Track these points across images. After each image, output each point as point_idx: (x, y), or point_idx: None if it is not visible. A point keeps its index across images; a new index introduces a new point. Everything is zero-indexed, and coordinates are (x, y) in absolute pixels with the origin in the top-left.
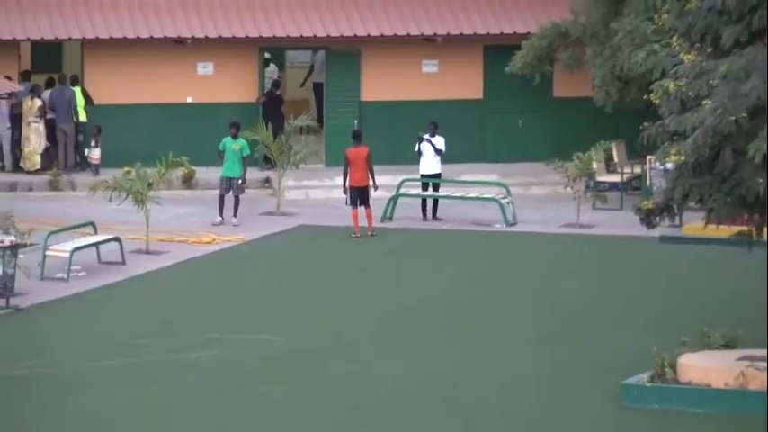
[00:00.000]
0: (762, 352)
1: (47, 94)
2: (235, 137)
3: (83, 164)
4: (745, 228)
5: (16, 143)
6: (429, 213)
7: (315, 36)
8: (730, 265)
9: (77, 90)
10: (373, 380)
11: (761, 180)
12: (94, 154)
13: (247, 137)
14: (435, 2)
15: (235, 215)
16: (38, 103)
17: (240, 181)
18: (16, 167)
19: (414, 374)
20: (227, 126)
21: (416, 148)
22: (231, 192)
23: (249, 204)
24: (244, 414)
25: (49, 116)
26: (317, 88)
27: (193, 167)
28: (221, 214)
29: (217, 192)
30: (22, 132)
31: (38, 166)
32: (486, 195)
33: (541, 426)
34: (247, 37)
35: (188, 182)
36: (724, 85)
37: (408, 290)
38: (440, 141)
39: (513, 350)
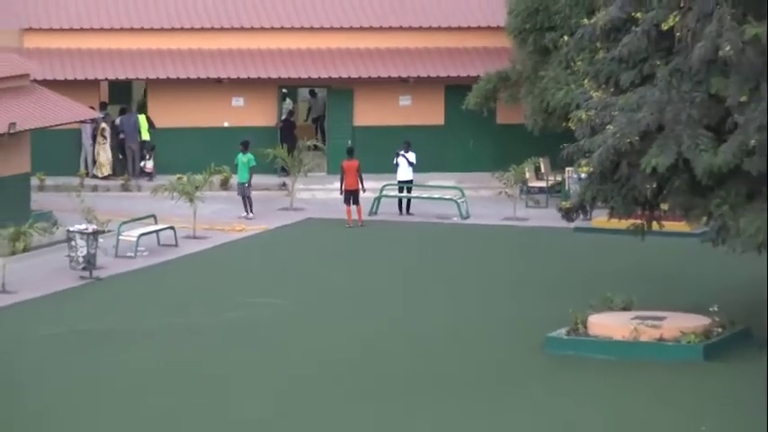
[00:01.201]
0: (649, 313)
1: (119, 119)
2: (244, 152)
3: (143, 172)
4: (638, 221)
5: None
6: (404, 209)
7: (319, 78)
8: (627, 249)
9: (142, 117)
10: (355, 330)
11: (648, 186)
12: (148, 166)
13: (268, 153)
14: (409, 52)
15: (248, 211)
16: (104, 126)
17: (247, 184)
18: (96, 175)
19: (384, 325)
20: (256, 140)
21: (394, 161)
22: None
23: (270, 203)
24: (259, 358)
25: (121, 136)
26: (315, 121)
27: (228, 174)
28: (250, 210)
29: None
30: (95, 148)
31: (106, 173)
32: (446, 196)
33: (485, 367)
34: (269, 78)
35: (224, 185)
36: (622, 115)
37: (387, 265)
38: (412, 156)
39: (461, 308)
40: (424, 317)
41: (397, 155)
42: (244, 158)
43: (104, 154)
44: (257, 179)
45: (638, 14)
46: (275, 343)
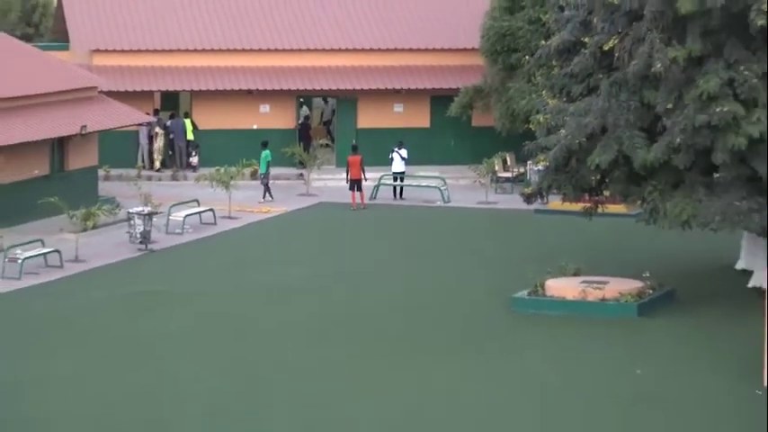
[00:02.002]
0: (595, 278)
1: (169, 123)
2: (264, 149)
3: (189, 165)
4: (586, 204)
5: (152, 153)
6: (398, 195)
7: (330, 89)
8: (577, 227)
9: (188, 121)
10: (358, 291)
11: (593, 177)
12: (193, 160)
13: (287, 151)
14: (401, 69)
15: (263, 196)
16: (158, 131)
17: (263, 176)
18: (152, 167)
19: (380, 288)
20: (275, 142)
21: (390, 156)
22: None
23: (290, 190)
24: (288, 315)
25: (171, 136)
26: (326, 124)
27: (256, 167)
28: (270, 195)
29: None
30: (154, 146)
31: (160, 166)
32: (431, 184)
33: (464, 321)
34: (289, 89)
35: (253, 175)
36: (572, 119)
37: (383, 240)
38: (404, 152)
39: (443, 275)
40: (413, 280)
41: (392, 151)
42: (263, 154)
43: (158, 151)
44: (280, 171)
45: (585, 39)
46: (297, 300)
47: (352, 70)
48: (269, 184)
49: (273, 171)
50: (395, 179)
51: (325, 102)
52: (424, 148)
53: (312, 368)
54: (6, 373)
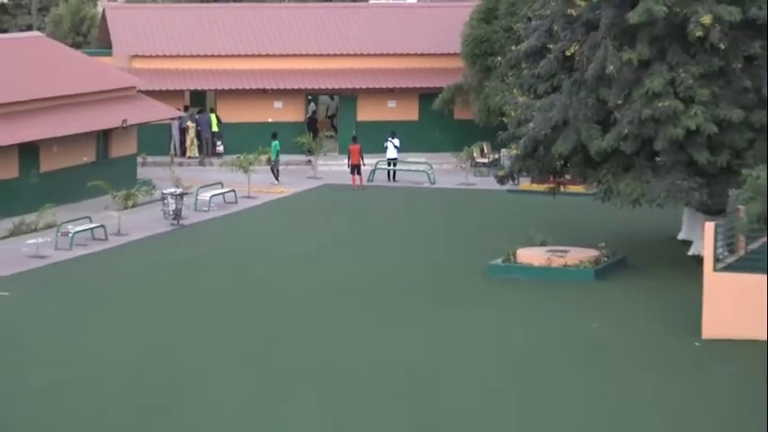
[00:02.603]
0: (558, 247)
1: (197, 117)
2: (273, 140)
3: (215, 153)
4: (550, 185)
5: (183, 144)
6: (391, 178)
7: (333, 88)
8: (544, 204)
9: (213, 115)
10: (357, 259)
11: (556, 162)
12: (219, 148)
13: (297, 140)
14: (394, 71)
15: (275, 179)
16: (190, 124)
17: (273, 162)
18: (182, 155)
19: (375, 256)
20: (287, 133)
21: (384, 145)
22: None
23: (299, 173)
24: (300, 278)
25: (198, 129)
26: (330, 117)
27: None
28: (277, 178)
29: (281, 167)
30: (187, 137)
31: (193, 155)
32: (419, 169)
33: (447, 284)
34: (299, 88)
35: (269, 161)
36: (539, 114)
37: (379, 215)
38: (396, 141)
39: (429, 245)
40: (404, 250)
41: (387, 140)
42: (273, 144)
43: (192, 141)
44: (291, 158)
45: (550, 45)
46: (307, 266)
47: (353, 72)
48: (278, 169)
49: (285, 158)
50: (389, 164)
51: (331, 98)
52: (413, 138)
53: (320, 321)
54: (70, 323)
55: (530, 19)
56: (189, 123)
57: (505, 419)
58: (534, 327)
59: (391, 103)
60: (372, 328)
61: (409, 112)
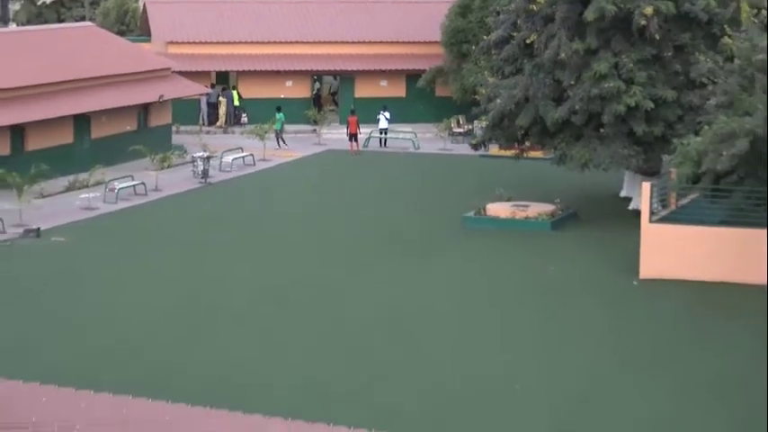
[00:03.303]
0: (521, 202)
1: (222, 93)
2: (278, 112)
3: (238, 122)
4: (515, 151)
5: (210, 116)
6: (383, 144)
7: (335, 69)
8: (509, 167)
9: (235, 92)
10: (353, 212)
11: (519, 132)
12: (244, 119)
13: (305, 113)
14: (385, 55)
15: (279, 145)
16: (222, 99)
17: (280, 130)
18: (209, 124)
19: (367, 209)
20: (297, 107)
21: (377, 117)
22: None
23: (306, 141)
24: (305, 229)
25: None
26: (332, 94)
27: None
28: (279, 144)
29: (290, 135)
30: (219, 110)
31: (222, 125)
32: (406, 137)
33: (429, 232)
34: (306, 70)
35: (272, 130)
36: (505, 92)
37: (372, 176)
38: (387, 114)
39: (413, 200)
40: (391, 204)
41: (379, 113)
42: (278, 116)
43: (222, 112)
44: (299, 127)
45: (514, 34)
46: (314, 218)
47: (351, 56)
48: (282, 136)
49: (294, 127)
50: (381, 133)
51: (333, 78)
52: (401, 112)
53: (324, 266)
54: (115, 263)
55: (498, 13)
56: (221, 99)
57: (481, 342)
58: (501, 268)
59: (383, 83)
60: (368, 268)
61: (398, 89)
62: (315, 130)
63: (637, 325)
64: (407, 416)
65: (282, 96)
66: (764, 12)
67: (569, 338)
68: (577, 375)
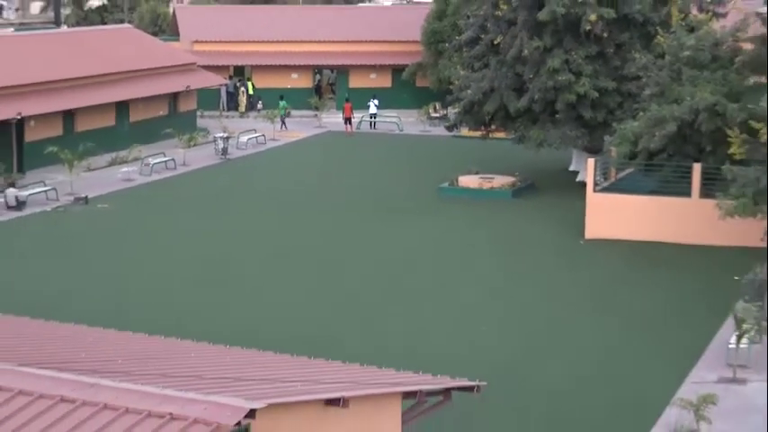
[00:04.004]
0: (487, 175)
1: (241, 83)
2: (281, 100)
3: (253, 108)
4: (482, 133)
5: (229, 103)
6: (372, 127)
7: (332, 64)
8: (478, 146)
9: (250, 82)
10: (345, 181)
11: (486, 116)
12: (260, 106)
13: (309, 101)
14: (374, 52)
15: (280, 127)
16: (241, 87)
17: (284, 115)
18: (228, 110)
19: (356, 178)
20: (301, 95)
21: (368, 104)
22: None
23: (308, 124)
24: (310, 197)
25: (242, 91)
26: (331, 85)
27: (290, 109)
28: (281, 127)
29: (294, 119)
30: (238, 98)
31: (242, 110)
32: (392, 120)
33: (409, 200)
34: (309, 65)
35: (288, 115)
36: (474, 84)
37: (363, 153)
38: (376, 102)
39: (396, 172)
40: (381, 177)
41: (370, 101)
42: (281, 103)
43: (241, 100)
44: (303, 113)
45: (482, 35)
46: (316, 187)
47: (346, 53)
48: (284, 120)
49: (298, 112)
50: (371, 118)
51: (331, 71)
52: (387, 99)
53: (327, 226)
54: (150, 226)
55: (468, 17)
56: (241, 89)
57: (453, 286)
58: (470, 229)
59: (373, 75)
60: (361, 227)
61: (385, 81)
62: (316, 114)
63: (583, 275)
64: (393, 349)
65: (289, 87)
66: (691, 15)
67: (527, 284)
68: (534, 311)
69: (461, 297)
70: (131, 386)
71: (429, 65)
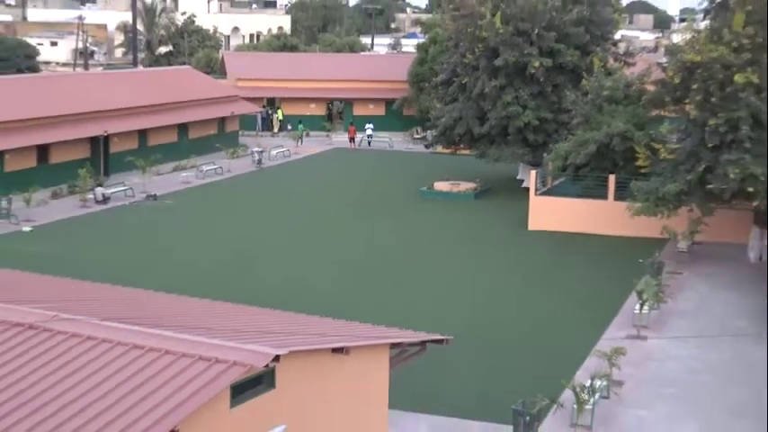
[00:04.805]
0: (456, 181)
1: (271, 111)
2: (299, 123)
3: (282, 129)
4: (453, 150)
5: (263, 125)
6: (370, 145)
7: (341, 98)
8: (451, 160)
9: (279, 110)
10: (352, 187)
11: (457, 138)
12: (289, 127)
13: (323, 125)
14: (372, 89)
15: (301, 143)
16: (273, 114)
17: (302, 135)
18: (262, 131)
19: (357, 185)
20: (317, 120)
21: (365, 127)
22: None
23: (321, 141)
24: (321, 197)
25: (273, 117)
26: (340, 113)
27: (308, 131)
28: (301, 143)
29: (310, 138)
30: (271, 122)
31: (275, 131)
32: (384, 140)
33: (395, 200)
34: (323, 98)
35: (307, 135)
36: (447, 114)
37: (363, 163)
38: (372, 126)
39: (385, 179)
40: (374, 182)
41: (366, 125)
42: (300, 126)
43: (276, 124)
44: (318, 133)
45: (454, 78)
46: (325, 189)
47: (351, 89)
48: (302, 139)
49: (314, 133)
50: (368, 138)
51: (339, 103)
52: (381, 124)
53: (334, 219)
54: (204, 217)
55: (443, 64)
56: (274, 115)
57: (428, 264)
58: (443, 221)
59: (371, 106)
60: (359, 219)
61: (380, 110)
62: (328, 135)
63: (526, 256)
64: (382, 309)
65: (308, 114)
66: (609, 64)
67: (484, 263)
68: (489, 283)
69: (434, 271)
70: (187, 336)
71: (413, 99)
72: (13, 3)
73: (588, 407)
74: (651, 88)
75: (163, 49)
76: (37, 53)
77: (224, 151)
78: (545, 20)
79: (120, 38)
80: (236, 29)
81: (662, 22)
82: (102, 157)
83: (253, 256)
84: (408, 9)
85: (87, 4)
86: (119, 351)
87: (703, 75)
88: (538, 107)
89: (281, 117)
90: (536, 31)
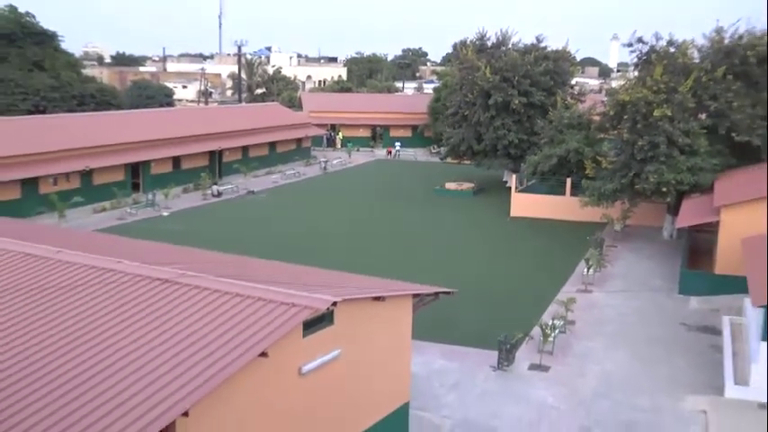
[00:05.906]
0: (461, 181)
1: (333, 133)
2: (348, 142)
3: (342, 148)
4: (459, 161)
5: (327, 143)
6: (398, 156)
7: (381, 125)
8: (457, 168)
9: (341, 133)
10: (384, 185)
11: (461, 153)
12: (348, 145)
13: (368, 143)
14: (403, 118)
15: (349, 156)
16: (335, 135)
17: (350, 151)
18: (328, 147)
19: (383, 183)
20: (364, 140)
21: (395, 144)
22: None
23: (367, 154)
24: (364, 193)
25: (334, 139)
26: (379, 135)
27: (357, 148)
28: (350, 156)
29: (361, 153)
30: (334, 141)
31: (337, 147)
32: (410, 153)
33: (414, 196)
34: (369, 124)
35: (358, 150)
36: (455, 136)
37: (395, 170)
38: (400, 143)
39: (406, 180)
40: (400, 182)
41: (396, 143)
42: (349, 144)
43: (339, 142)
44: (365, 149)
45: (459, 112)
46: (369, 188)
47: (388, 118)
48: (351, 153)
49: (362, 150)
50: (397, 151)
51: (380, 128)
52: (408, 143)
53: (371, 213)
54: (288, 208)
55: (452, 101)
56: (336, 136)
57: (438, 243)
58: (452, 213)
59: (401, 130)
60: (390, 210)
61: (407, 133)
62: (371, 150)
63: (509, 235)
64: (405, 271)
65: (359, 135)
66: (567, 100)
67: (479, 239)
68: (481, 253)
69: (443, 247)
70: (274, 288)
71: (431, 125)
72: (156, 59)
73: (551, 339)
74: (596, 118)
75: (259, 91)
76: (173, 94)
77: (300, 161)
78: (523, 71)
79: (229, 83)
80: (309, 77)
81: (604, 72)
82: (218, 164)
83: (321, 232)
84: (428, 63)
85: (207, 60)
86: (226, 298)
87: (632, 109)
88: (518, 131)
89: (341, 137)
90: (516, 78)
